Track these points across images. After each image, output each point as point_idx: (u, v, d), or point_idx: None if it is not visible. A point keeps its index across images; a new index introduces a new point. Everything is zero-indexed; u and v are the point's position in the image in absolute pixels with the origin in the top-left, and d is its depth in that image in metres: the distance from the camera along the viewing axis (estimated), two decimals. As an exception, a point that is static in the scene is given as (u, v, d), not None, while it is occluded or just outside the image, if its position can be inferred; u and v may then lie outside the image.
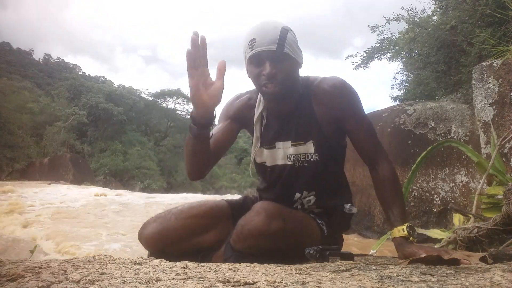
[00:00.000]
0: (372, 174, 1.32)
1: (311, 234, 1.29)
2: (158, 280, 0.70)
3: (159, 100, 37.58)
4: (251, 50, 1.23)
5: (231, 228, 1.34)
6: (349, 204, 1.42)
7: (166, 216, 1.40)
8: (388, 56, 7.85)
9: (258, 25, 1.26)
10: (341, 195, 1.44)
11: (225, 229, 1.38)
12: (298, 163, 1.35)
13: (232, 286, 0.69)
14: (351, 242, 4.03)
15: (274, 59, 1.22)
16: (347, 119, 1.30)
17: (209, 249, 1.37)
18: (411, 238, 1.16)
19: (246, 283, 0.70)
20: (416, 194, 3.86)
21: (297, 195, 1.38)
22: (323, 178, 1.37)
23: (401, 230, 1.17)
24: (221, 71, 1.14)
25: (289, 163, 1.37)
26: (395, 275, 0.81)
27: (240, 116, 1.45)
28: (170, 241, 1.34)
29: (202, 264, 0.93)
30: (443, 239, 1.78)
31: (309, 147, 1.32)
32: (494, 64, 2.61)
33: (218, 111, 1.36)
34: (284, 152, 1.37)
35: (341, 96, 1.29)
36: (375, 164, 1.30)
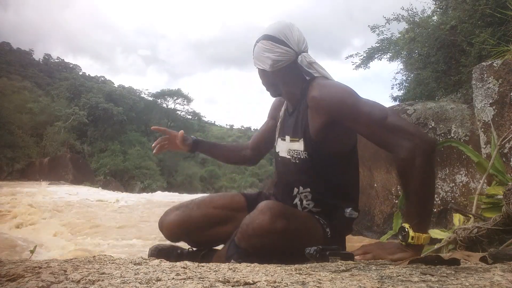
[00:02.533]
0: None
1: (314, 234, 1.30)
2: (158, 280, 0.70)
3: (159, 100, 37.62)
4: None
5: None
6: (350, 208, 1.38)
7: (188, 205, 1.49)
8: (388, 56, 7.85)
9: None
10: (341, 198, 1.40)
11: (241, 222, 1.39)
12: (294, 159, 1.40)
13: (232, 286, 0.69)
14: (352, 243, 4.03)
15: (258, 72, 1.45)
16: (343, 121, 1.26)
17: (225, 241, 1.41)
18: (403, 243, 1.14)
19: (246, 283, 0.70)
20: (416, 194, 3.86)
21: (295, 189, 1.41)
22: (316, 177, 1.37)
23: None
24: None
25: (288, 157, 1.42)
26: (395, 275, 0.81)
27: (276, 114, 1.61)
28: (191, 230, 1.42)
29: (202, 264, 0.93)
30: (443, 239, 1.78)
31: (301, 145, 1.37)
32: (494, 64, 2.61)
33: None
34: (286, 146, 1.44)
35: (328, 103, 1.27)
36: (392, 151, 1.17)
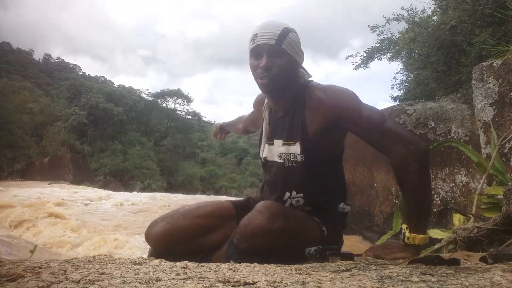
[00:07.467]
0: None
1: (312, 233, 1.31)
2: (158, 280, 0.70)
3: (159, 100, 37.55)
4: (253, 44, 1.32)
5: (236, 228, 1.36)
6: (342, 203, 1.41)
7: (173, 215, 1.44)
8: (388, 56, 7.86)
9: (263, 22, 1.35)
10: (333, 195, 1.42)
11: (230, 229, 1.40)
12: (288, 163, 1.38)
13: (232, 286, 0.69)
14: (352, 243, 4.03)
15: (271, 53, 1.28)
16: (343, 123, 1.27)
17: (214, 248, 1.40)
18: (402, 243, 1.21)
19: (246, 283, 0.70)
20: (416, 194, 3.85)
21: (287, 194, 1.40)
22: (311, 180, 1.37)
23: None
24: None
25: (280, 161, 1.40)
26: (395, 275, 0.81)
27: (257, 109, 1.62)
28: (178, 240, 1.38)
29: (202, 264, 0.93)
30: (443, 239, 1.78)
31: (297, 148, 1.35)
32: (494, 64, 2.61)
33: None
34: (277, 150, 1.41)
35: (332, 105, 1.27)
36: (388, 156, 1.23)
